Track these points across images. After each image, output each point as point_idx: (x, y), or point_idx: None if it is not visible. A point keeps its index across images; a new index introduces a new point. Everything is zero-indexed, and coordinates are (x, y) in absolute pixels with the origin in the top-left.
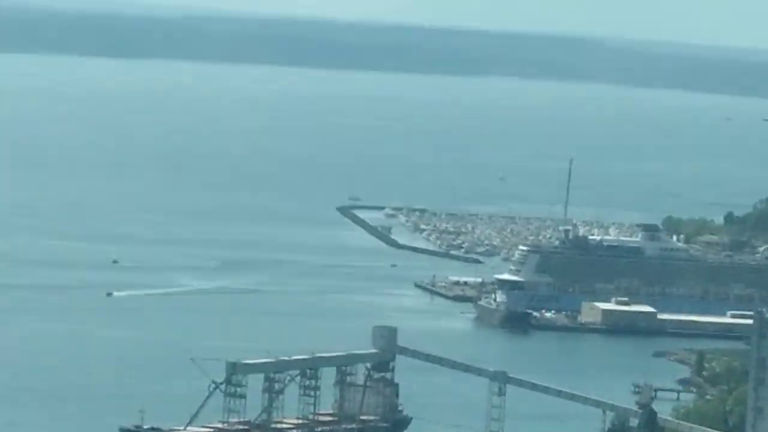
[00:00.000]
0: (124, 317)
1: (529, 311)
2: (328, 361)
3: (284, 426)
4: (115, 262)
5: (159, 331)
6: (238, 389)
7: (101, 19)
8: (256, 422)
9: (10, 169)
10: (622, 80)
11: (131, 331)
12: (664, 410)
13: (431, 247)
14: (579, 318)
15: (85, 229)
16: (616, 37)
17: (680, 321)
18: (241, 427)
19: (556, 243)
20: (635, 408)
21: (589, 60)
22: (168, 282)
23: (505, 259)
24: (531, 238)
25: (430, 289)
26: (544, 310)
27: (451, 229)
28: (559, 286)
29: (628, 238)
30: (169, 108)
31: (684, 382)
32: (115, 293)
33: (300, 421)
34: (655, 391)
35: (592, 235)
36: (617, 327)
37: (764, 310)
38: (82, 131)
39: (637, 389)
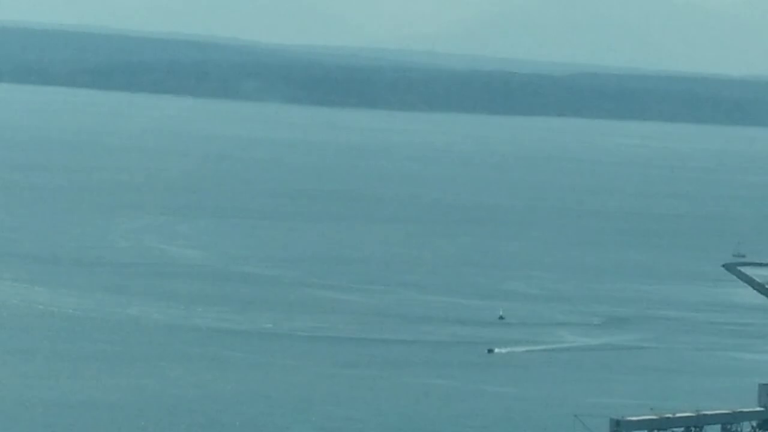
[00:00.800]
0: (504, 374)
1: None
2: (713, 419)
3: None
4: (501, 318)
5: (540, 387)
6: None
7: (490, 77)
8: None
9: (393, 224)
10: None
11: (511, 388)
12: None
13: None
14: None
15: (471, 285)
16: None
17: None
18: None
19: None
20: None
21: None
22: (550, 338)
23: None
24: None
25: None
26: None
27: None
28: None
29: None
30: (555, 166)
31: None
32: (496, 350)
33: None
34: None
35: None
36: None
37: None
38: (468, 189)
39: None
